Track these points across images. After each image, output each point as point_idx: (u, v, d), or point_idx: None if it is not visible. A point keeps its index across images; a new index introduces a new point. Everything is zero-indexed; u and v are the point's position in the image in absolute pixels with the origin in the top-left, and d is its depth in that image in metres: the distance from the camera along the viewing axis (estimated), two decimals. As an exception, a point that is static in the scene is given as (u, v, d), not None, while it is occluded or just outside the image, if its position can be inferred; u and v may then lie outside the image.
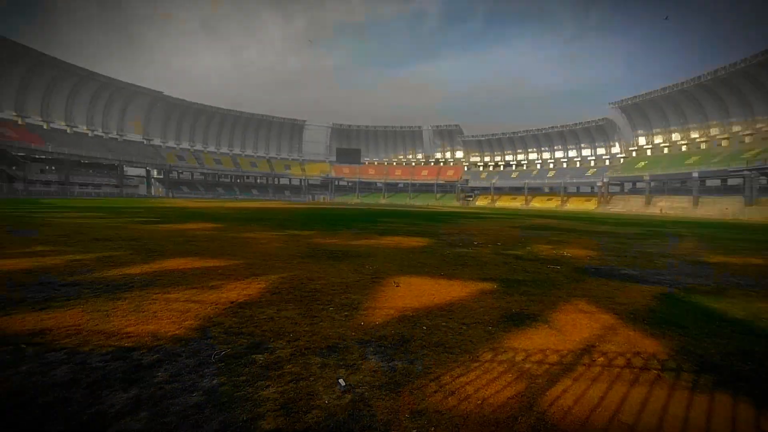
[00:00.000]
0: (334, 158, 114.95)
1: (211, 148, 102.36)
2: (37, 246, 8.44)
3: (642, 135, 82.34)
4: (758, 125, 63.33)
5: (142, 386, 2.61)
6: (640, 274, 7.25)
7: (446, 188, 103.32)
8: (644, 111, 79.49)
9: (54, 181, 64.91)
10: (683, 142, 74.66)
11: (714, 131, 70.34)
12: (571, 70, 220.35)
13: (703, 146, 71.09)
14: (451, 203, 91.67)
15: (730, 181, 58.20)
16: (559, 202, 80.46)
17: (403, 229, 16.31)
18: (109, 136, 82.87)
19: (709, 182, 61.12)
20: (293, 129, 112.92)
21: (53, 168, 66.85)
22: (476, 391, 2.70)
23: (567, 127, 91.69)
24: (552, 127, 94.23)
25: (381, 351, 3.34)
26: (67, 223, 14.43)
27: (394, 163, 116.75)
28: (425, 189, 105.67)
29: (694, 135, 73.05)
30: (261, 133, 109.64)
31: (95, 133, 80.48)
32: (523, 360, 3.24)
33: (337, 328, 3.85)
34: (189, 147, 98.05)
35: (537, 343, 3.63)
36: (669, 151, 76.39)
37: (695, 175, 59.28)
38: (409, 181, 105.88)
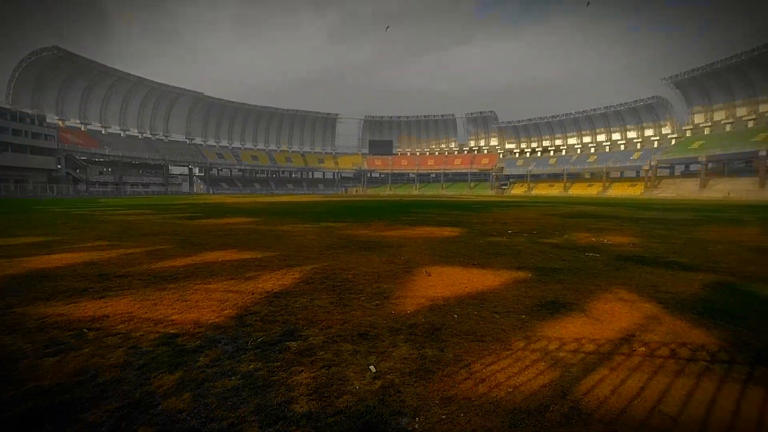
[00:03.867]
0: (366, 150, 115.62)
1: (248, 145, 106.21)
2: (96, 241, 9.22)
3: (699, 112, 75.51)
4: (837, 94, 56.18)
5: (186, 369, 2.80)
6: (690, 262, 6.76)
7: (480, 177, 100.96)
8: (704, 85, 72.60)
9: (110, 182, 70.49)
10: (750, 117, 67.28)
11: (784, 104, 63.00)
12: (617, 47, 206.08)
13: (771, 122, 64.00)
14: (486, 192, 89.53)
15: (802, 159, 52.30)
16: (601, 188, 76.22)
17: (434, 219, 16.18)
18: (156, 137, 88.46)
19: (776, 161, 55.25)
20: (326, 123, 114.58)
21: (109, 170, 72.57)
22: (507, 379, 2.66)
23: (612, 108, 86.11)
24: (594, 110, 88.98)
25: (411, 339, 3.36)
26: (120, 220, 15.61)
27: (427, 153, 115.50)
28: (459, 178, 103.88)
29: (764, 109, 65.58)
30: (295, 128, 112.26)
31: (144, 135, 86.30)
32: (557, 349, 3.15)
33: (368, 317, 3.92)
34: (227, 144, 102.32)
35: (572, 332, 3.50)
36: (732, 128, 69.50)
37: (763, 153, 53.72)
38: (441, 171, 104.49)
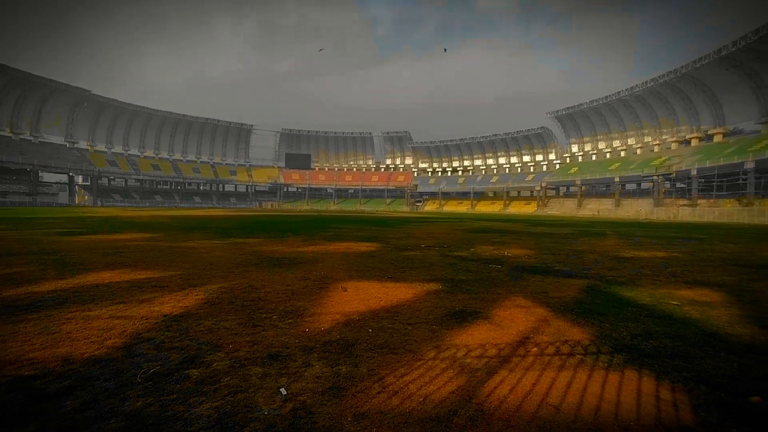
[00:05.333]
0: (283, 164, 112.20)
1: (149, 153, 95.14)
2: None
3: (574, 143, 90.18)
4: (664, 136, 72.23)
5: (44, 420, 2.30)
6: (571, 270, 7.87)
7: (396, 194, 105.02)
8: (576, 121, 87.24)
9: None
10: (607, 150, 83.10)
11: (631, 141, 78.99)
12: (516, 80, 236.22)
13: (622, 154, 79.47)
14: (401, 208, 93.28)
15: (643, 185, 65.48)
16: (502, 206, 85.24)
17: (352, 235, 16.27)
18: (21, 137, 73.55)
19: (627, 186, 68.25)
20: (240, 134, 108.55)
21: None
22: (419, 389, 2.75)
23: (509, 135, 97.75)
24: (495, 135, 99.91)
25: (325, 356, 3.28)
26: (-35, 236, 12.54)
27: (345, 169, 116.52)
28: (376, 194, 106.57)
29: (616, 144, 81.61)
30: (205, 137, 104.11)
31: (2, 133, 71.04)
32: (464, 355, 3.36)
33: (280, 337, 3.73)
34: (122, 151, 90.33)
35: (477, 338, 3.78)
36: (596, 158, 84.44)
37: (617, 179, 65.94)
38: (359, 187, 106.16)
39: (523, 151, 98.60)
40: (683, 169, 55.73)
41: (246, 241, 12.82)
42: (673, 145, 69.50)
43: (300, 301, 5.04)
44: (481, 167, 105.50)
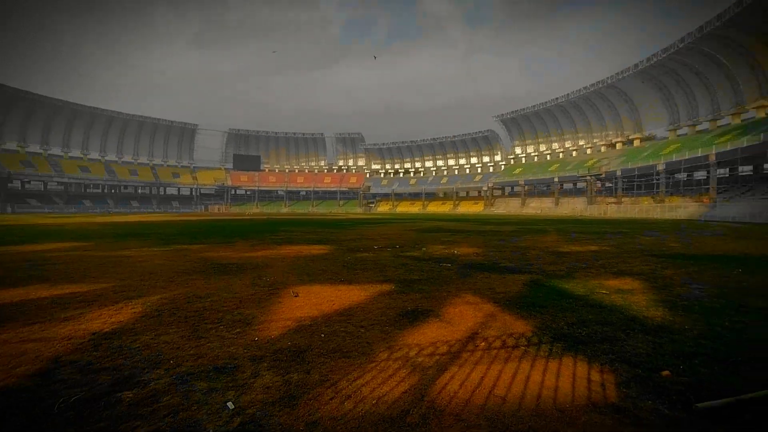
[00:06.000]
0: (230, 165, 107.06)
1: (75, 153, 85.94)
2: None
3: (518, 145, 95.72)
4: (595, 140, 79.12)
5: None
6: (515, 266, 8.35)
7: (349, 195, 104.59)
8: (519, 124, 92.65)
9: None
10: (547, 152, 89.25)
11: (568, 144, 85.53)
12: (466, 84, 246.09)
13: (561, 155, 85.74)
14: (354, 210, 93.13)
15: (579, 185, 71.16)
16: (452, 206, 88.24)
17: (304, 238, 15.95)
18: None
19: (565, 186, 73.75)
20: (183, 134, 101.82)
21: None
22: (372, 391, 2.75)
23: (458, 137, 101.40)
24: (445, 137, 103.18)
25: (276, 365, 3.18)
26: None
27: (296, 171, 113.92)
28: (328, 196, 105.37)
29: (555, 146, 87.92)
30: (143, 137, 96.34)
31: None
32: (416, 354, 3.42)
33: (227, 348, 3.55)
34: (41, 151, 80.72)
35: (429, 336, 3.87)
36: (538, 159, 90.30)
37: (556, 180, 71.03)
38: (311, 189, 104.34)
39: (471, 153, 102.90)
40: (611, 170, 61.43)
41: (190, 247, 12.07)
42: (603, 148, 76.38)
43: (249, 309, 4.84)
44: (432, 169, 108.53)
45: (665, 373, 2.96)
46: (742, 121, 53.45)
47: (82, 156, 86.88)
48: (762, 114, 50.35)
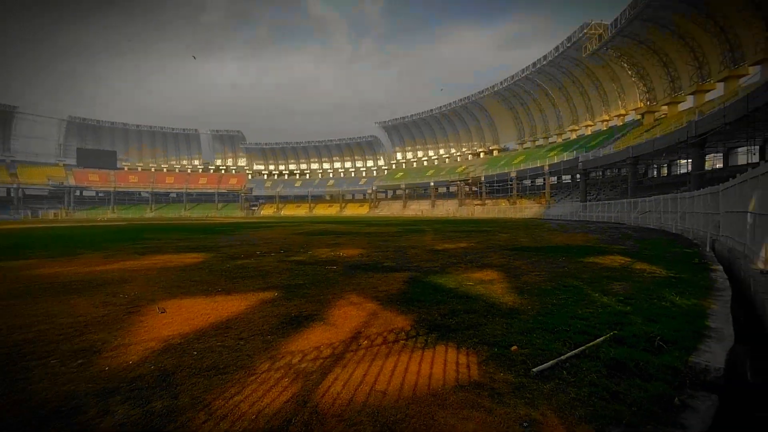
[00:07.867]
0: (73, 161, 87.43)
1: None
2: None
3: (399, 151, 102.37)
4: (463, 149, 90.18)
5: None
6: (397, 264, 8.90)
7: (229, 198, 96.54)
8: (400, 131, 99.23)
9: None
10: (425, 158, 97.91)
11: (441, 151, 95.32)
12: (352, 88, 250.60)
13: (436, 162, 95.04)
14: (235, 213, 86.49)
15: (451, 189, 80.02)
16: (339, 208, 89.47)
17: (174, 245, 14.09)
18: None
19: (440, 189, 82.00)
20: (-8, 117, 78.80)
21: None
22: (251, 406, 2.59)
23: (343, 141, 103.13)
24: (330, 140, 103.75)
25: (134, 396, 2.73)
26: None
27: (165, 170, 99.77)
28: (205, 199, 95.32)
29: (431, 153, 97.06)
30: None
31: None
32: (299, 361, 3.35)
33: (63, 386, 2.89)
34: None
35: (313, 341, 3.84)
36: (416, 165, 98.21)
37: (432, 184, 78.48)
38: (184, 191, 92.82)
39: (356, 157, 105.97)
40: (476, 176, 70.89)
41: (11, 264, 9.43)
42: (470, 157, 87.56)
43: (97, 334, 4.04)
44: (318, 171, 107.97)
45: (514, 348, 3.55)
46: (563, 140, 68.42)
47: None
48: (574, 136, 66.39)
